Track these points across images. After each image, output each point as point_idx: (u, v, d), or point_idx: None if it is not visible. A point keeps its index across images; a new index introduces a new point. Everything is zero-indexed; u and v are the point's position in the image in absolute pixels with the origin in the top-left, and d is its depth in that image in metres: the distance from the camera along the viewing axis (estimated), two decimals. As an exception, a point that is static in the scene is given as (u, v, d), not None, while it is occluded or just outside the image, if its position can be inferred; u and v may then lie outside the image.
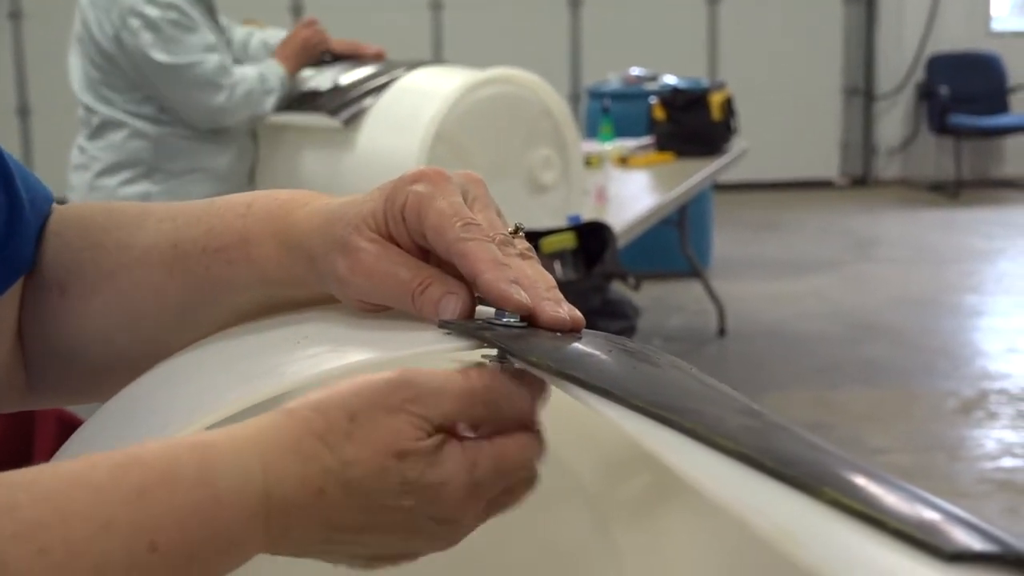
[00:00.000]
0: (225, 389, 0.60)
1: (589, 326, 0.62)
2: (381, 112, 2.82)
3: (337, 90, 2.92)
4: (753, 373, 4.48)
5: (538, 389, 0.59)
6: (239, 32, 3.09)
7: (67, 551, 0.48)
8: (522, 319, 0.60)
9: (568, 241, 2.90)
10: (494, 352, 0.59)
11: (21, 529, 0.48)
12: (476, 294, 0.62)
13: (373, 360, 0.58)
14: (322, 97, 2.93)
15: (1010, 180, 8.48)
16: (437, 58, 7.46)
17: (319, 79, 3.00)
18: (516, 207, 2.80)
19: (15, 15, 8.15)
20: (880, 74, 8.48)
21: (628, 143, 4.68)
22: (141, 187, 2.89)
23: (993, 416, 4.02)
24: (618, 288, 3.54)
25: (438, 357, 0.60)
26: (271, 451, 0.53)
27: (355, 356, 0.59)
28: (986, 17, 8.57)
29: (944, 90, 8.15)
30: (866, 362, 4.59)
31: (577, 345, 0.59)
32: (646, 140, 4.74)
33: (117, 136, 2.88)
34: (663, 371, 0.59)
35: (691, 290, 5.45)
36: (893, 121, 8.58)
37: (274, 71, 2.93)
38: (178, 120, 2.89)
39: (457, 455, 0.55)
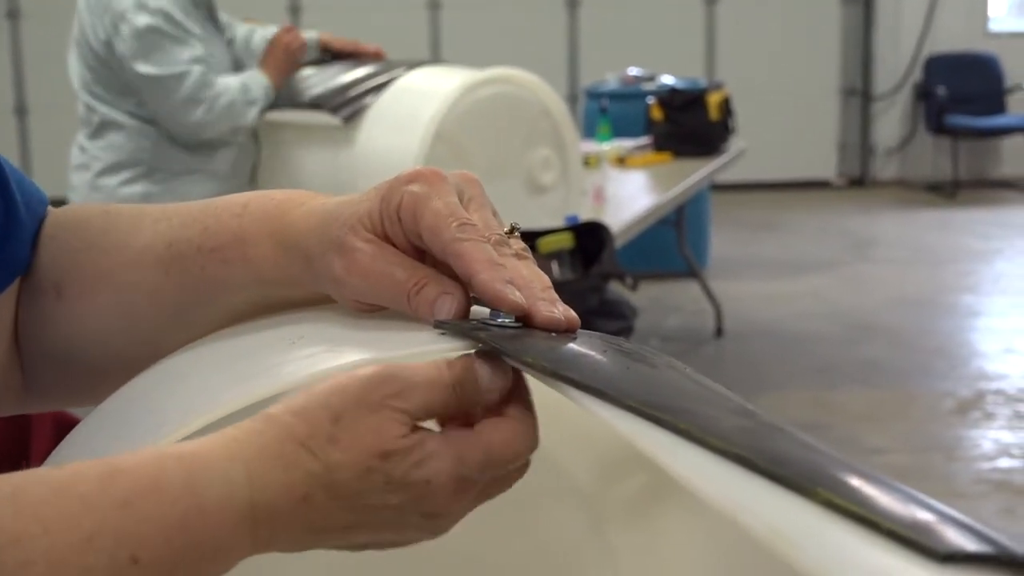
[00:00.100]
0: (220, 389, 0.60)
1: (586, 326, 0.62)
2: (381, 111, 2.82)
3: (337, 88, 2.92)
4: (750, 373, 4.49)
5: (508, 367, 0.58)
6: (241, 29, 3.08)
7: (49, 563, 0.48)
8: (517, 319, 0.60)
9: (565, 241, 2.90)
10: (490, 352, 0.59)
11: (4, 540, 0.48)
12: (471, 294, 0.62)
13: (368, 360, 0.58)
14: (322, 95, 2.93)
15: (1007, 181, 8.49)
16: (435, 58, 7.46)
17: (319, 78, 3.00)
18: (515, 207, 2.80)
19: (13, 14, 8.15)
20: (878, 74, 8.49)
21: (626, 143, 4.68)
22: (142, 187, 2.89)
23: (990, 416, 4.02)
24: (616, 288, 3.53)
25: (433, 357, 0.60)
26: (254, 459, 0.53)
27: (350, 356, 0.59)
28: (984, 18, 8.58)
29: (941, 91, 8.16)
30: (863, 362, 4.59)
31: (572, 346, 0.59)
32: (644, 140, 4.74)
33: (118, 136, 2.88)
34: (658, 371, 0.59)
35: (688, 290, 5.45)
36: (890, 121, 8.59)
37: (257, 81, 2.91)
38: None
39: (442, 450, 0.55)
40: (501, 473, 0.57)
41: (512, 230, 0.65)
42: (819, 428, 3.83)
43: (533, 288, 0.61)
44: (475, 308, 0.62)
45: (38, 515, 0.49)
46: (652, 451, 0.49)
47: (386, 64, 3.01)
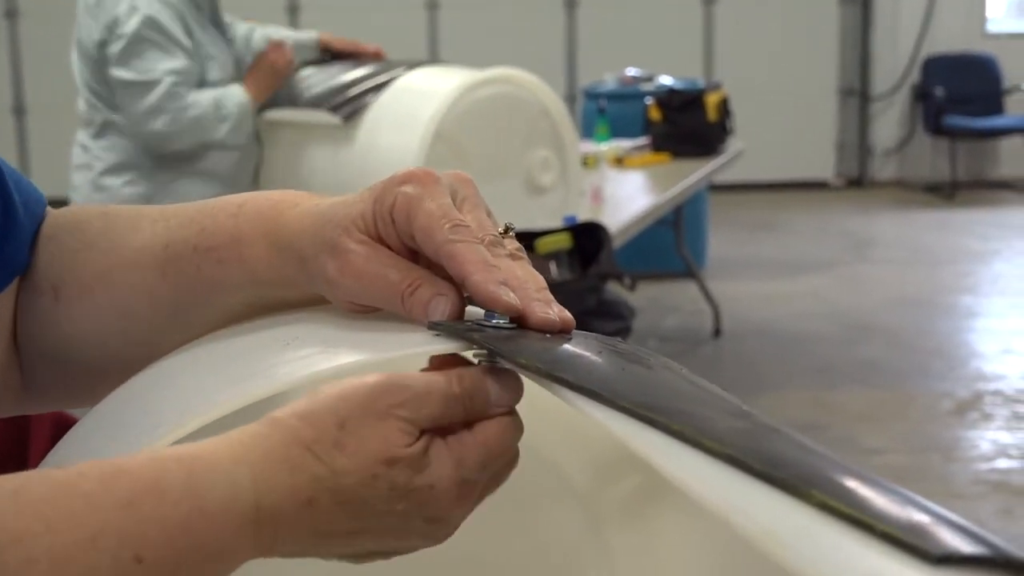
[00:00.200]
0: (215, 390, 0.60)
1: (584, 326, 0.62)
2: (381, 111, 2.82)
3: (337, 87, 2.92)
4: (749, 373, 4.49)
5: (518, 381, 0.59)
6: (241, 28, 3.08)
7: (52, 561, 0.48)
8: (512, 320, 0.60)
9: (564, 241, 2.90)
10: (484, 353, 0.59)
11: (6, 539, 0.48)
12: (465, 295, 0.62)
13: (363, 361, 0.58)
14: (322, 94, 2.93)
15: (1005, 181, 8.49)
16: (433, 58, 7.46)
17: (319, 77, 3.00)
18: (514, 208, 2.80)
19: (11, 14, 8.15)
20: (876, 75, 8.49)
21: (624, 143, 4.68)
22: (145, 187, 2.88)
23: (988, 417, 4.02)
24: (614, 289, 3.53)
25: (427, 359, 0.60)
26: (260, 462, 0.53)
27: (345, 357, 0.59)
28: (982, 18, 8.58)
29: (940, 91, 8.16)
30: (862, 363, 4.59)
31: (566, 347, 0.59)
32: (642, 141, 4.74)
33: (120, 137, 2.88)
34: (653, 372, 0.59)
35: (687, 291, 5.45)
36: (889, 122, 8.59)
37: (234, 97, 2.85)
38: None
39: (444, 456, 0.56)
40: (497, 467, 0.58)
41: (507, 230, 0.65)
42: (817, 428, 3.83)
43: (528, 289, 0.61)
44: (470, 309, 0.62)
45: (40, 514, 0.49)
46: (646, 452, 0.49)
47: (386, 64, 3.01)
